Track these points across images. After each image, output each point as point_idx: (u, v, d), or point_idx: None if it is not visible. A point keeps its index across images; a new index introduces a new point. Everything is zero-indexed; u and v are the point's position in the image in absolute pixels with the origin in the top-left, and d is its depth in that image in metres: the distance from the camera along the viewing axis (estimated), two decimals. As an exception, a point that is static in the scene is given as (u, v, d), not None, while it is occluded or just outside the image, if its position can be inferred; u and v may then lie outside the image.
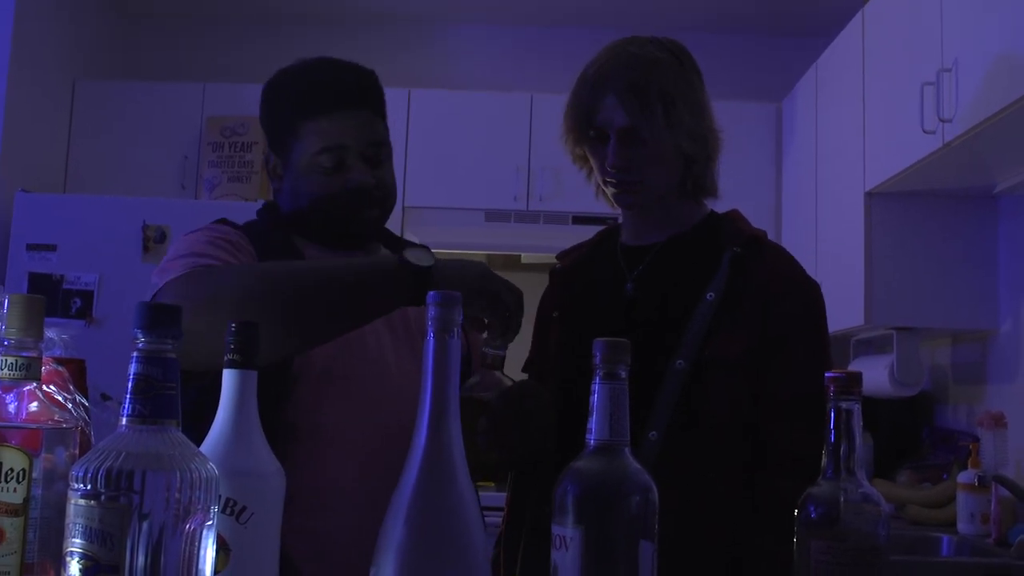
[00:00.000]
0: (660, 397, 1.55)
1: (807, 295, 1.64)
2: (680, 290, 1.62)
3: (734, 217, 1.72)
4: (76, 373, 1.25)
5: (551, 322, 1.74)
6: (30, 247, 3.76)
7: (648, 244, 1.70)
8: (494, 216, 4.28)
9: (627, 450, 0.92)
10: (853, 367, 3.50)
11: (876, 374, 3.32)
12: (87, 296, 3.71)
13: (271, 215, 1.70)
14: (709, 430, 1.55)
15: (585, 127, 1.64)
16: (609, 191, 1.67)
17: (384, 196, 1.66)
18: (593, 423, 0.92)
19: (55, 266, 3.74)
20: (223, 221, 1.67)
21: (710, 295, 1.59)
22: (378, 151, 1.65)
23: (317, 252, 1.65)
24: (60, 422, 1.03)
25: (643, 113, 1.58)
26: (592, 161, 1.68)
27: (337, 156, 1.61)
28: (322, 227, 1.64)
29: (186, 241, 1.56)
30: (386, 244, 1.76)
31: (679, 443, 1.54)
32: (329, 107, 1.62)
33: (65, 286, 3.71)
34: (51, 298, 3.65)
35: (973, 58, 2.46)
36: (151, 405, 0.83)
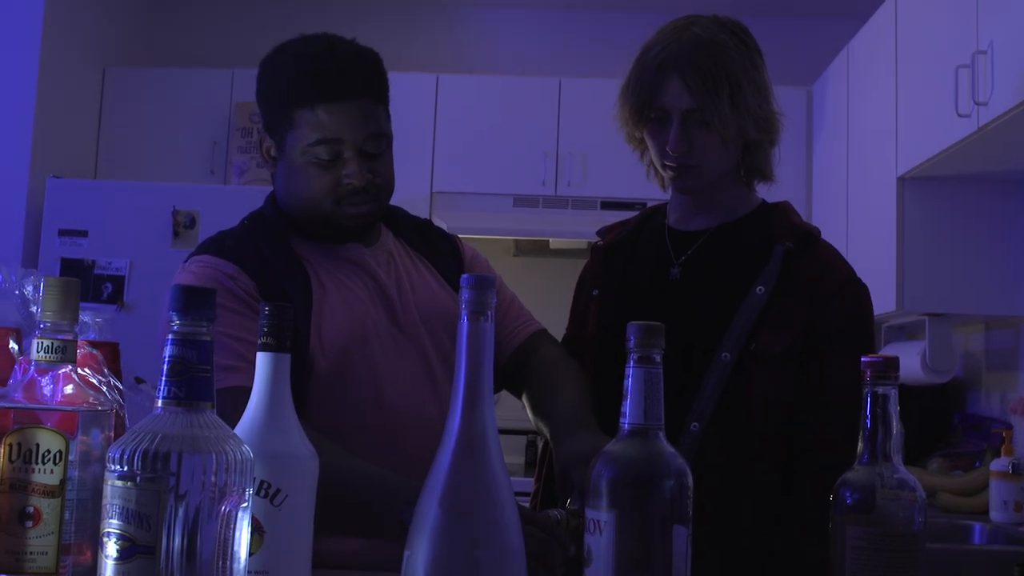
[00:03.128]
0: (704, 388, 1.55)
1: (856, 296, 1.63)
2: (728, 281, 1.61)
3: (786, 209, 1.69)
4: (110, 356, 1.27)
5: (591, 300, 1.73)
6: (62, 233, 3.79)
7: (697, 230, 1.68)
8: (522, 201, 4.27)
9: (661, 434, 0.91)
10: (885, 353, 3.47)
11: (908, 360, 3.29)
12: (118, 281, 3.73)
13: (270, 211, 1.64)
14: (751, 424, 1.54)
15: (647, 109, 1.60)
16: (667, 174, 1.65)
17: (379, 191, 1.58)
18: (627, 407, 0.91)
19: (87, 251, 3.77)
20: (212, 247, 1.58)
21: (759, 289, 1.57)
22: (378, 143, 1.56)
23: (309, 248, 1.60)
24: (95, 404, 1.04)
25: (710, 96, 1.54)
26: (650, 143, 1.64)
27: (333, 149, 1.52)
28: (311, 225, 1.59)
29: None
30: (390, 223, 1.72)
31: (720, 435, 1.54)
32: (327, 96, 1.51)
33: (96, 271, 3.74)
34: (83, 283, 3.66)
35: (1009, 40, 2.42)
36: (186, 387, 0.84)
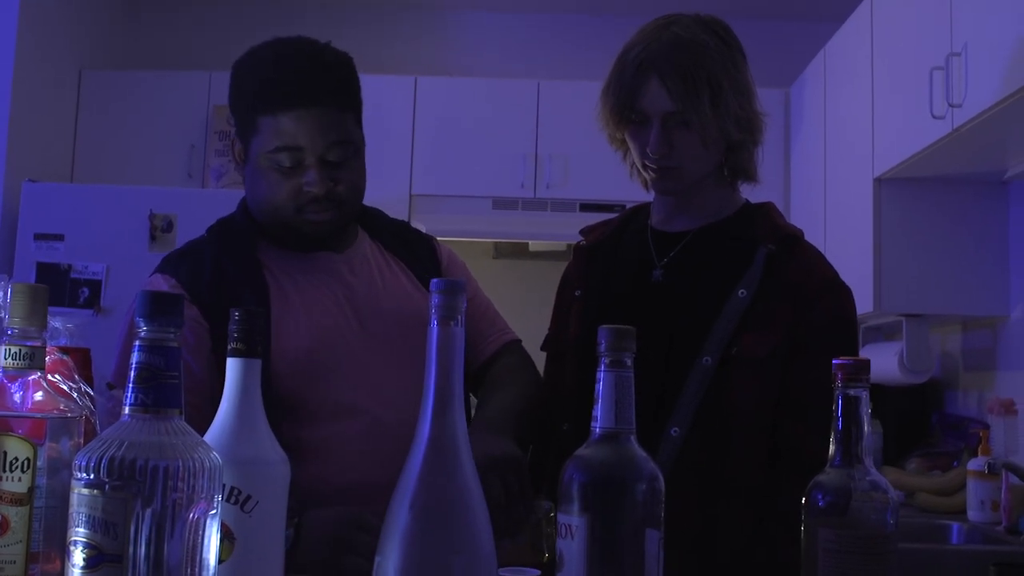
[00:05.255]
0: (685, 393, 1.54)
1: (840, 300, 1.61)
2: (710, 283, 1.59)
3: (769, 211, 1.68)
4: (81, 362, 1.25)
5: (573, 301, 1.72)
6: (38, 236, 3.77)
7: (679, 231, 1.67)
8: (501, 204, 4.27)
9: (633, 438, 0.91)
10: (862, 354, 3.48)
11: (885, 361, 3.31)
12: (95, 285, 3.71)
13: (240, 215, 1.65)
14: (733, 427, 1.53)
15: (627, 110, 1.59)
16: (648, 175, 1.63)
17: (341, 199, 1.56)
18: (599, 411, 0.91)
19: (63, 255, 3.75)
20: (169, 266, 1.59)
21: (742, 292, 1.56)
22: (343, 151, 1.54)
23: (276, 255, 1.60)
24: (65, 411, 1.03)
25: (690, 99, 1.53)
26: (631, 144, 1.63)
27: (295, 157, 1.51)
28: (276, 230, 1.60)
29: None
30: (366, 225, 1.72)
31: (702, 439, 1.53)
32: (288, 103, 1.50)
33: (73, 275, 3.72)
34: (59, 288, 3.65)
35: (983, 42, 2.44)
36: (153, 394, 0.83)
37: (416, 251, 1.74)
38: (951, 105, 2.55)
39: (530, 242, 4.42)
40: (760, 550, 1.51)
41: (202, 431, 0.96)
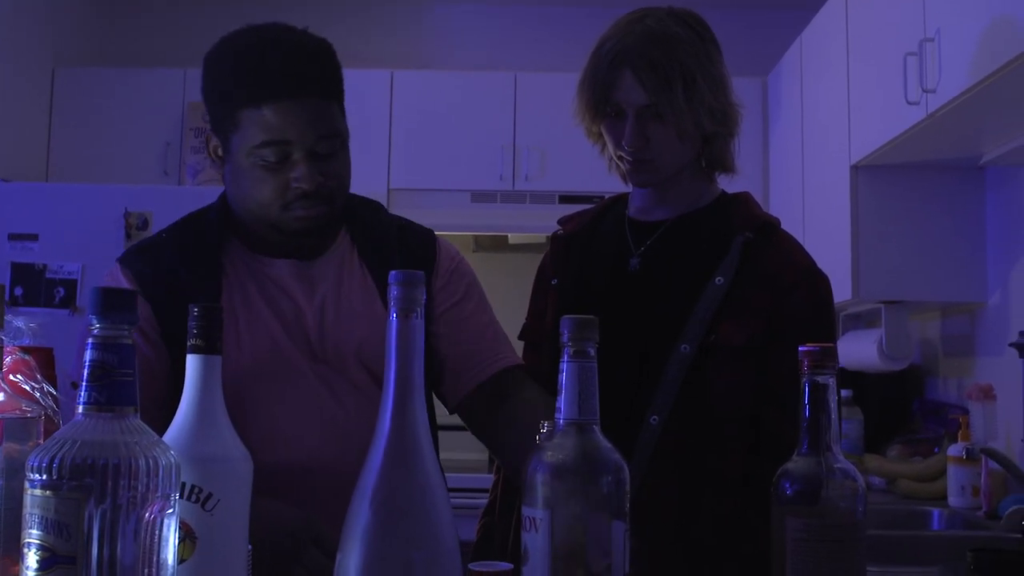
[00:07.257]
0: (663, 381, 1.53)
1: (817, 288, 1.62)
2: (687, 272, 1.59)
3: (745, 200, 1.69)
4: (43, 362, 1.23)
5: (550, 290, 1.71)
6: (12, 237, 3.73)
7: (656, 220, 1.67)
8: (480, 197, 4.25)
9: (597, 428, 0.90)
10: (842, 342, 3.49)
11: (865, 348, 3.31)
12: (70, 285, 3.67)
13: (215, 214, 1.57)
14: (712, 416, 1.53)
15: (602, 104, 1.59)
16: (624, 168, 1.64)
17: (331, 194, 1.48)
18: (562, 402, 0.90)
19: (38, 255, 3.71)
20: (129, 256, 1.55)
21: (719, 279, 1.56)
22: (330, 143, 1.46)
23: (241, 258, 1.53)
24: (25, 412, 1.01)
25: (663, 91, 1.53)
26: (607, 138, 1.63)
27: (281, 151, 1.42)
28: (258, 229, 1.51)
29: None
30: (350, 226, 1.61)
31: (681, 428, 1.52)
32: (273, 95, 1.41)
33: (48, 275, 3.68)
34: (34, 287, 3.62)
35: (955, 27, 2.43)
36: (107, 392, 0.82)
37: (404, 261, 1.60)
38: (925, 91, 2.54)
39: (509, 235, 4.40)
40: (741, 539, 1.51)
41: (167, 422, 0.94)
